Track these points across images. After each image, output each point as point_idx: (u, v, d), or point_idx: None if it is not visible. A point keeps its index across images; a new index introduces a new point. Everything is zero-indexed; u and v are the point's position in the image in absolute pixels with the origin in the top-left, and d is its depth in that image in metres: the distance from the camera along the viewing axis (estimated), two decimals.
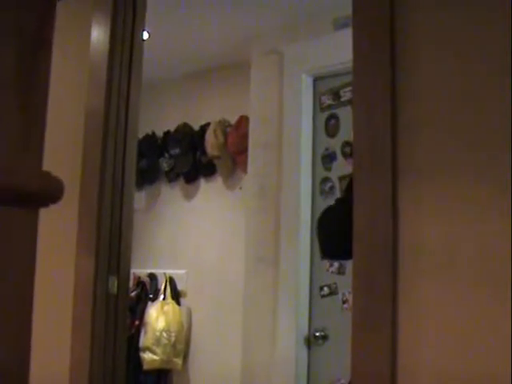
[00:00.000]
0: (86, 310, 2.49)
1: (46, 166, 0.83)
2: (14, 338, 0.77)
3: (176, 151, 4.27)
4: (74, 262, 2.54)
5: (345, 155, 3.23)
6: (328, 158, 3.32)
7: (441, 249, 1.56)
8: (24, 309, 0.78)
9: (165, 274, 4.07)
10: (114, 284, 2.56)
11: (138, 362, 3.90)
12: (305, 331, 3.25)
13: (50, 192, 0.79)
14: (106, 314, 2.53)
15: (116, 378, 2.55)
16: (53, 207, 0.84)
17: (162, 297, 4.01)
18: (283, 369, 3.26)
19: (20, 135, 0.76)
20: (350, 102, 3.08)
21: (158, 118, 4.43)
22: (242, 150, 3.80)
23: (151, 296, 4.06)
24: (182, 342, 3.96)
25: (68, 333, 2.46)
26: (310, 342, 3.23)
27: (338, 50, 2.69)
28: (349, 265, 2.61)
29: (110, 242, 2.50)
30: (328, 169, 3.31)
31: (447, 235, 1.56)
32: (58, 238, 2.56)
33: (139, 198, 4.14)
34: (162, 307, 3.93)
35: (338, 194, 3.17)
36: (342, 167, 3.21)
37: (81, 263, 2.54)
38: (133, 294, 4.02)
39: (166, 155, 4.33)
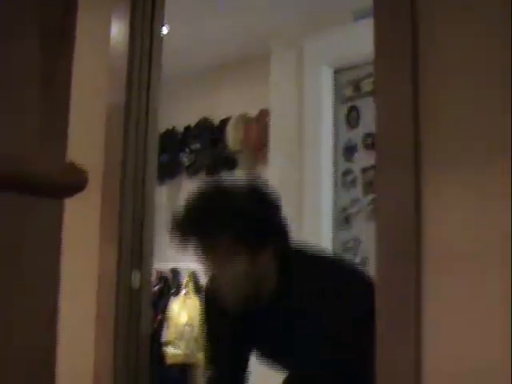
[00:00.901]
0: (109, 305, 2.50)
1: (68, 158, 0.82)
2: (43, 326, 0.77)
3: (196, 146, 4.28)
4: (98, 257, 2.55)
5: (366, 147, 3.21)
6: (350, 150, 3.30)
7: (466, 240, 1.54)
8: (52, 297, 0.78)
9: (187, 268, 4.08)
10: (137, 278, 2.56)
11: (162, 356, 3.92)
12: None
13: (75, 182, 0.79)
14: (129, 309, 2.53)
15: (140, 373, 2.55)
16: (75, 200, 0.84)
17: (184, 291, 4.02)
18: None
19: (43, 125, 0.76)
20: (370, 93, 3.06)
21: (178, 112, 4.43)
22: (263, 144, 3.79)
23: (173, 291, 4.07)
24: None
25: (91, 327, 2.47)
26: None
27: (358, 41, 2.67)
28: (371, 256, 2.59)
29: (133, 236, 2.50)
30: (350, 161, 3.30)
31: (471, 226, 1.53)
32: (81, 231, 2.56)
33: (160, 193, 4.14)
34: (185, 301, 3.94)
35: (360, 186, 3.15)
36: (364, 159, 3.19)
37: (104, 258, 2.54)
38: (155, 288, 4.04)
39: (187, 150, 4.34)
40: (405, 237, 1.62)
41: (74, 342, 2.52)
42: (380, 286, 1.63)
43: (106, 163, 2.46)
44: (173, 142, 4.38)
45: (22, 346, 0.75)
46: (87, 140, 2.49)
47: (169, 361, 3.89)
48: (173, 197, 4.47)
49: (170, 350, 3.88)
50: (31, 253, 0.77)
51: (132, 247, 2.56)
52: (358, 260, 3.11)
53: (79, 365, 2.53)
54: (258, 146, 3.91)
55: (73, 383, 2.43)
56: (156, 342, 3.93)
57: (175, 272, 4.14)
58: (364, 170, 3.18)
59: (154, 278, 4.16)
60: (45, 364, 0.76)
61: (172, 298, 4.03)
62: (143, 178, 2.49)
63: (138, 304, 2.58)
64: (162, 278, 4.10)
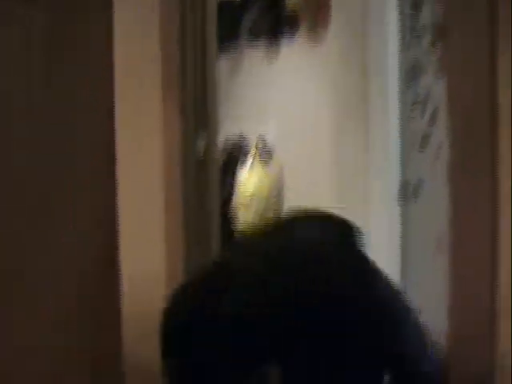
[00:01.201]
0: (175, 176, 2.49)
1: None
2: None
3: (255, 10, 4.11)
4: (161, 130, 2.51)
5: None
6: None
7: None
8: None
9: (254, 136, 4.04)
10: (202, 146, 2.53)
11: (231, 227, 3.98)
12: (397, 187, 3.18)
13: None
14: (195, 178, 2.53)
15: (211, 239, 2.57)
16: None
17: (251, 160, 4.01)
18: (376, 228, 3.23)
19: None
20: None
21: None
22: (325, 3, 3.61)
23: (241, 160, 4.06)
24: (273, 203, 3.99)
25: (159, 195, 2.45)
26: (404, 197, 3.16)
27: None
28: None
29: (195, 102, 2.45)
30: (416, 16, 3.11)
31: None
32: (143, 105, 2.51)
33: (220, 63, 4.05)
34: (252, 170, 3.94)
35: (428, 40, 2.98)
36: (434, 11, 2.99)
37: (168, 127, 2.50)
38: (221, 157, 4.04)
39: (246, 15, 4.18)
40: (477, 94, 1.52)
41: (142, 228, 2.54)
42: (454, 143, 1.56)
43: (162, 31, 2.36)
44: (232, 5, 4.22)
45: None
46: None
47: (239, 230, 3.95)
48: (233, 66, 4.37)
49: (240, 219, 3.93)
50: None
51: (196, 114, 2.51)
52: (426, 117, 3.00)
53: (150, 257, 2.54)
54: (320, 6, 3.72)
55: (144, 280, 2.48)
56: (224, 213, 3.99)
57: (242, 140, 4.10)
58: (432, 24, 2.99)
59: (220, 146, 4.16)
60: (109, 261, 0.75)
61: (239, 167, 4.03)
62: (203, 41, 2.39)
63: (205, 173, 2.56)
64: (229, 147, 4.08)
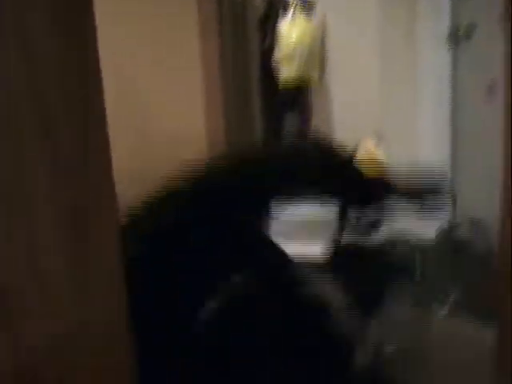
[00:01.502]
0: (211, 22, 2.36)
1: None
2: None
3: None
4: None
5: None
6: None
7: None
8: None
9: None
10: None
11: (274, 80, 3.88)
12: (446, 29, 3.01)
13: None
14: (234, 24, 2.41)
15: (251, 94, 2.50)
16: None
17: (292, 10, 3.82)
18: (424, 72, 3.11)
19: None
20: None
21: None
22: None
23: (281, 10, 3.88)
24: (316, 55, 3.85)
25: (196, 48, 2.36)
26: (453, 40, 2.99)
27: None
28: None
29: None
30: None
31: None
32: None
33: None
34: (294, 20, 3.77)
35: None
36: None
37: None
38: (261, 9, 3.87)
39: None
40: None
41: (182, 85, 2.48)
42: None
43: None
44: None
45: None
46: None
47: (281, 84, 3.85)
48: None
49: (281, 72, 3.82)
50: None
51: None
52: None
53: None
54: None
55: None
56: (266, 64, 3.87)
57: None
58: None
59: None
60: None
61: (280, 17, 3.86)
62: None
63: (244, 21, 2.44)
64: None
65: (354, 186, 1.81)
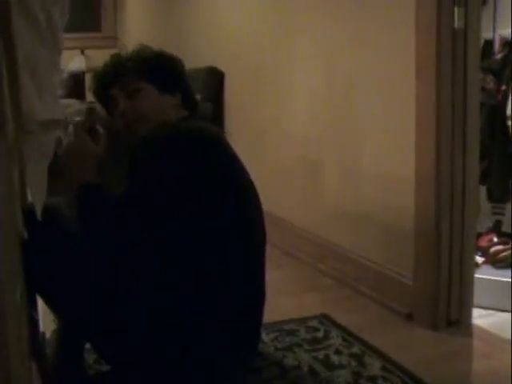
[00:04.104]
0: (429, 48, 2.21)
1: None
2: None
3: None
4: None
5: None
6: None
7: None
8: None
9: None
10: (461, 16, 2.20)
11: (506, 131, 3.52)
12: None
13: None
14: (452, 52, 2.21)
15: (469, 137, 2.25)
16: None
17: None
18: None
19: None
20: None
21: None
22: None
23: None
24: None
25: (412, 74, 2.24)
26: None
27: None
28: None
29: None
30: None
31: None
32: None
33: None
34: None
35: None
36: None
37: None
38: (498, 56, 3.57)
39: None
40: None
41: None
42: None
43: None
44: None
45: None
46: None
47: None
48: None
49: None
50: None
51: None
52: None
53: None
54: None
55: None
56: (498, 117, 3.54)
57: None
58: None
59: (496, 44, 3.67)
60: None
61: None
62: None
63: (464, 46, 2.24)
64: (507, 44, 3.57)
65: None
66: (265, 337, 2.12)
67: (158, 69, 1.79)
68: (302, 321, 2.30)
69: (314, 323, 2.28)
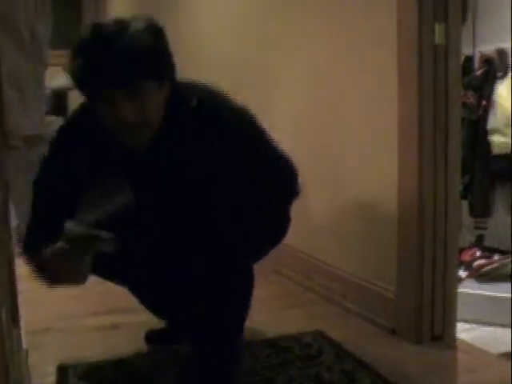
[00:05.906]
0: (411, 64, 2.24)
1: None
2: None
3: None
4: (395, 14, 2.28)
5: None
6: None
7: None
8: None
9: None
10: (441, 33, 2.23)
11: (487, 146, 3.57)
12: None
13: None
14: (433, 68, 2.24)
15: (451, 153, 2.27)
16: None
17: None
18: None
19: None
20: None
21: None
22: None
23: (500, 74, 3.60)
24: None
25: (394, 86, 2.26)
26: None
27: None
28: None
29: None
30: None
31: None
32: None
33: None
34: None
35: None
36: None
37: (402, 12, 2.25)
38: (479, 72, 3.63)
39: None
40: None
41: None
42: None
43: None
44: None
45: None
46: None
47: (495, 150, 3.53)
48: None
49: (496, 139, 3.51)
50: None
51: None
52: None
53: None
54: None
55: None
56: (480, 131, 3.59)
57: (501, 53, 3.63)
58: None
59: (477, 61, 3.73)
60: None
61: (498, 81, 3.58)
62: None
63: (445, 62, 2.26)
64: (487, 61, 3.64)
65: None
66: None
67: (159, 59, 1.57)
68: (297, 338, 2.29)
69: (309, 339, 2.27)
